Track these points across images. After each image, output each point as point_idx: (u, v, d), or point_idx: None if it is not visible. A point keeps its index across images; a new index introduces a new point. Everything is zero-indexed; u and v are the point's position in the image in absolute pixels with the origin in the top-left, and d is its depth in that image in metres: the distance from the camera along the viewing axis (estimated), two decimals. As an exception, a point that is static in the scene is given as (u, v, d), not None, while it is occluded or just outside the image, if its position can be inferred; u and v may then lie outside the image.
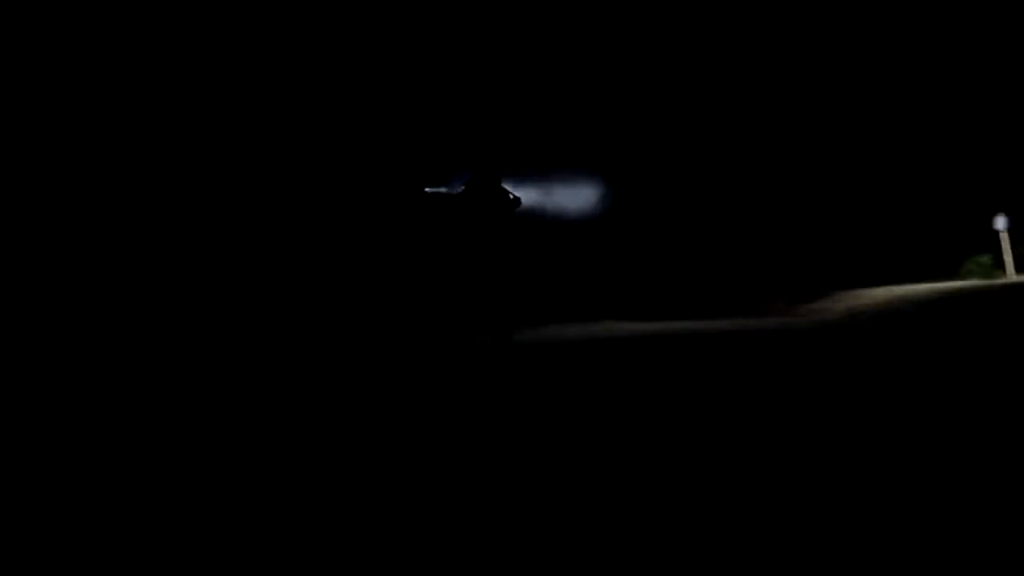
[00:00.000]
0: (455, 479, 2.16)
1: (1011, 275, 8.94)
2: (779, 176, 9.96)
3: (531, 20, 10.15)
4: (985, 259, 9.13)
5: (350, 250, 9.55)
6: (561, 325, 7.76)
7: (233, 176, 9.45)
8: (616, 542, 1.60)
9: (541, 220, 9.66)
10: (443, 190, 9.50)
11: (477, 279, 8.18)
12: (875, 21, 9.71)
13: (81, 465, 2.55)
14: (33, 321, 7.67)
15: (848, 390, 3.34)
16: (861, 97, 9.85)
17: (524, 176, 9.63)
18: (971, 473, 1.98)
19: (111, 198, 8.93)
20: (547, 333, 6.90)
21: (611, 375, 4.29)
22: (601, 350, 5.63)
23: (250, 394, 4.18)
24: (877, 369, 3.92)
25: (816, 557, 1.45)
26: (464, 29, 10.12)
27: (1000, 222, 8.97)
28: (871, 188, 9.85)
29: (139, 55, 9.21)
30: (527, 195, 9.19)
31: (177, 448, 2.76)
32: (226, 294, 8.83)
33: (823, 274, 9.15)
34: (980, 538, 1.50)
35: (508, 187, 8.54)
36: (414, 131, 10.02)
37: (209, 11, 9.46)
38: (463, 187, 8.54)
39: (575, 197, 10.07)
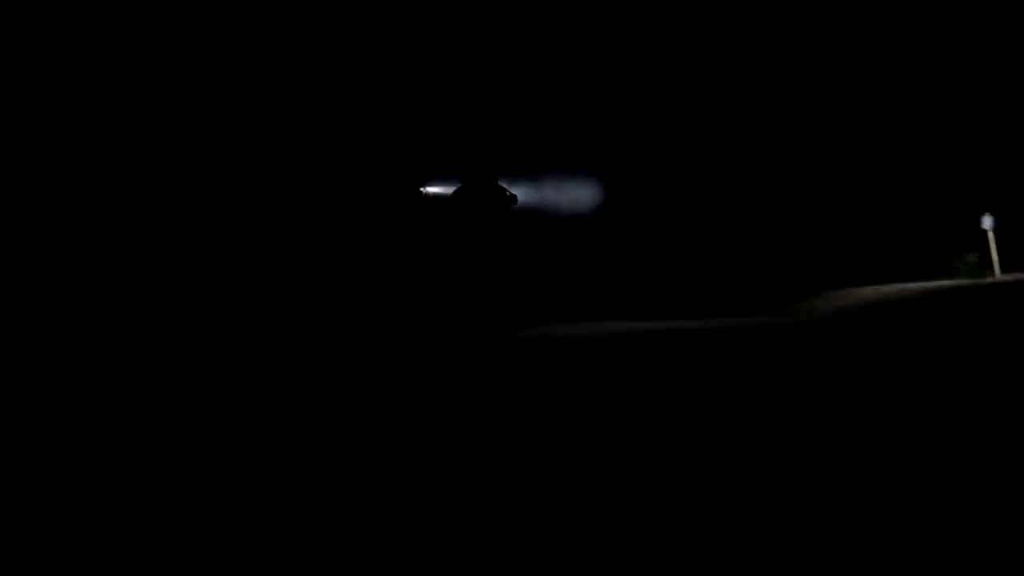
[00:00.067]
0: (450, 477, 2.21)
1: (998, 274, 9.07)
2: (767, 176, 10.07)
3: (527, 16, 10.20)
4: (972, 258, 9.26)
5: (344, 250, 9.59)
6: (557, 324, 7.84)
7: (222, 175, 9.46)
8: (611, 538, 1.66)
9: (537, 218, 9.73)
10: (438, 189, 9.58)
11: (473, 278, 8.25)
12: (862, 24, 9.83)
13: (80, 465, 2.56)
14: (33, 321, 7.70)
15: (835, 386, 3.44)
16: (848, 99, 9.97)
17: (520, 174, 9.68)
18: (957, 467, 2.06)
19: (106, 196, 8.96)
20: (543, 331, 6.98)
21: (602, 373, 4.37)
22: (593, 348, 5.71)
23: (245, 392, 4.21)
24: (864, 366, 4.02)
25: (806, 555, 1.50)
26: (458, 26, 10.17)
27: (987, 221, 9.10)
28: (858, 189, 9.96)
29: (132, 51, 9.23)
30: (523, 193, 9.25)
31: (177, 448, 2.78)
32: (219, 293, 8.85)
33: (812, 274, 9.27)
34: (968, 534, 1.57)
35: (504, 185, 8.61)
36: (408, 130, 10.07)
37: (198, 7, 9.48)
38: (459, 185, 8.63)
39: (570, 195, 10.14)
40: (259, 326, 8.21)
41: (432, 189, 9.66)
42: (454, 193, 8.43)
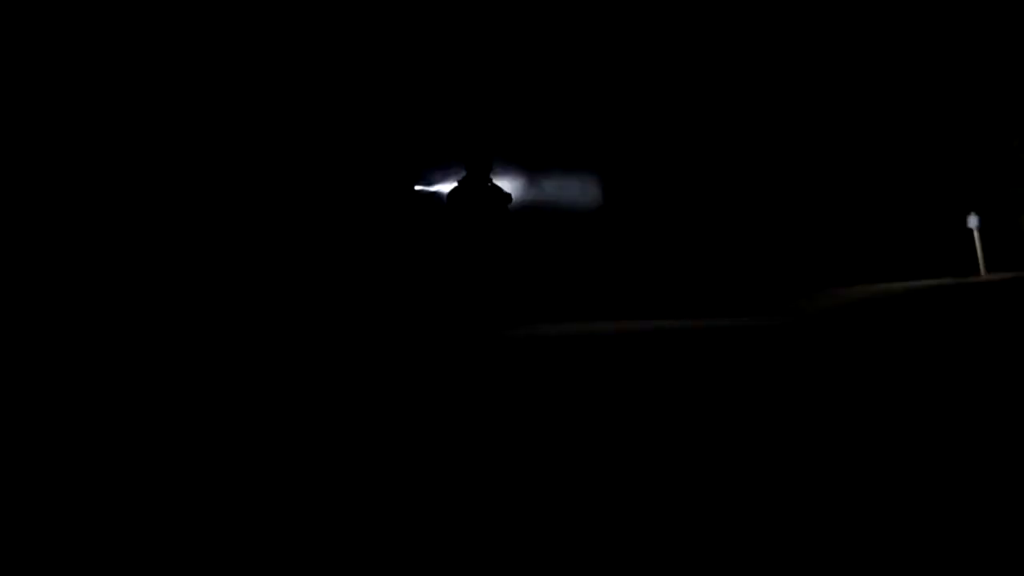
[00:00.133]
0: (445, 475, 2.26)
1: (983, 273, 9.21)
2: (752, 178, 10.16)
3: (522, 12, 10.22)
4: (958, 257, 9.40)
5: (339, 249, 9.60)
6: (551, 323, 7.91)
7: (216, 175, 9.44)
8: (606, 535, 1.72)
9: (533, 216, 9.77)
10: (433, 188, 9.62)
11: (468, 277, 8.31)
12: (861, 28, 9.92)
13: (80, 464, 2.57)
14: (33, 321, 7.71)
15: (824, 383, 3.54)
16: (837, 102, 10.06)
17: (516, 172, 9.71)
18: (942, 463, 2.14)
19: (102, 195, 8.94)
20: (537, 331, 7.04)
21: (596, 372, 4.45)
22: (587, 347, 5.79)
23: (240, 391, 4.24)
24: (853, 363, 4.12)
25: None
26: (453, 23, 10.19)
27: (972, 220, 9.24)
28: (843, 191, 10.07)
29: (126, 50, 9.22)
30: (517, 191, 9.29)
31: (176, 447, 2.80)
32: (212, 293, 8.85)
33: (800, 274, 9.40)
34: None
35: (499, 183, 8.65)
36: (403, 128, 10.09)
37: (191, 5, 9.47)
38: (454, 184, 8.66)
39: (566, 192, 10.19)
40: (248, 323, 8.21)
41: (426, 187, 9.70)
42: (450, 192, 8.47)
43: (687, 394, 3.28)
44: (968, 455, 2.04)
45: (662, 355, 4.80)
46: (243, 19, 9.59)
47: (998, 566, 1.37)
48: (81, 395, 4.15)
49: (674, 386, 3.51)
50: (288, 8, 9.77)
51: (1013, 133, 9.66)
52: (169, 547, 1.70)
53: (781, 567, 1.42)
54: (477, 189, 8.42)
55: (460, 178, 8.49)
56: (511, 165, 9.57)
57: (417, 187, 9.72)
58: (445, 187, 9.05)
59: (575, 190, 10.20)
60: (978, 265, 9.29)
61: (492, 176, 8.45)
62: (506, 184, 8.85)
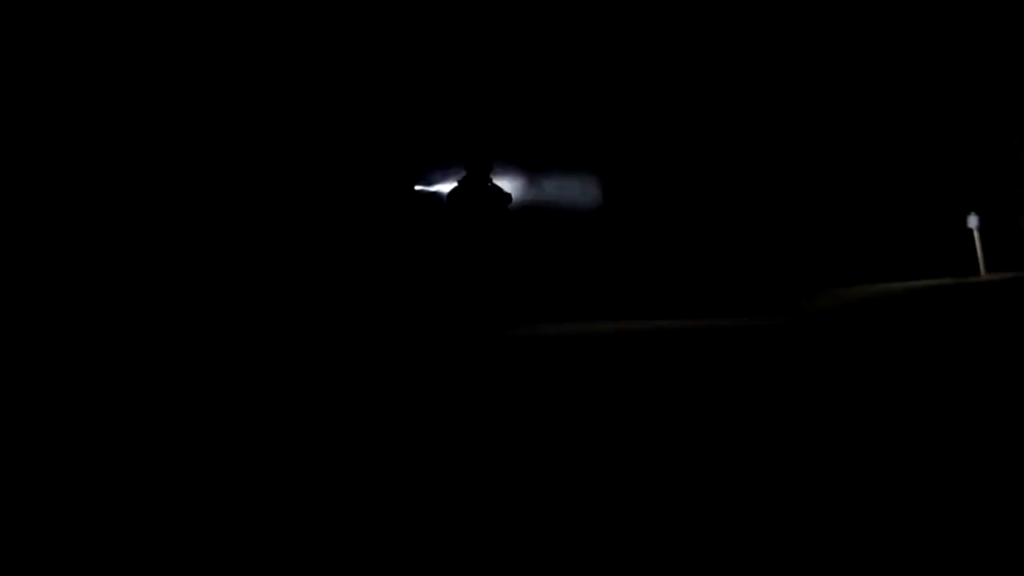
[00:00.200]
0: (445, 475, 2.27)
1: (983, 273, 9.22)
2: (752, 179, 10.17)
3: (521, 12, 10.23)
4: (958, 257, 9.41)
5: (339, 249, 9.61)
6: (550, 323, 7.92)
7: (215, 175, 9.45)
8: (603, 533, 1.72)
9: (533, 215, 9.78)
10: (433, 188, 9.63)
11: (468, 277, 8.32)
12: (853, 28, 9.93)
13: (80, 464, 2.58)
14: (32, 321, 7.72)
15: (823, 383, 3.55)
16: (837, 103, 10.08)
17: (516, 172, 9.71)
18: (943, 463, 2.15)
19: (102, 195, 8.96)
20: (537, 331, 7.06)
21: (596, 371, 4.46)
22: (583, 347, 5.80)
23: (238, 390, 4.25)
24: (852, 363, 4.13)
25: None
26: (452, 23, 10.20)
27: (972, 220, 9.25)
28: (843, 191, 10.08)
29: (126, 50, 9.23)
30: (518, 191, 9.30)
31: (176, 447, 2.81)
32: (211, 292, 8.85)
33: (801, 274, 9.41)
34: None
35: (499, 183, 8.65)
36: (403, 128, 10.10)
37: (191, 5, 9.47)
38: (454, 184, 8.67)
39: (566, 192, 10.20)
40: (246, 322, 8.21)
41: (426, 187, 9.71)
42: (450, 192, 8.47)
43: (686, 394, 3.29)
44: (967, 454, 2.05)
45: (661, 355, 4.81)
46: (243, 19, 9.60)
47: (998, 566, 1.38)
48: (81, 395, 4.17)
49: (673, 386, 3.52)
50: (287, 8, 9.78)
51: (1013, 133, 9.67)
52: (169, 547, 1.70)
53: (780, 567, 1.42)
54: (477, 189, 8.43)
55: (460, 178, 8.50)
56: (511, 165, 9.58)
57: (417, 187, 9.73)
58: (445, 187, 9.06)
59: (575, 190, 10.21)
60: (978, 265, 9.30)
61: (492, 176, 8.46)
62: (506, 184, 8.86)
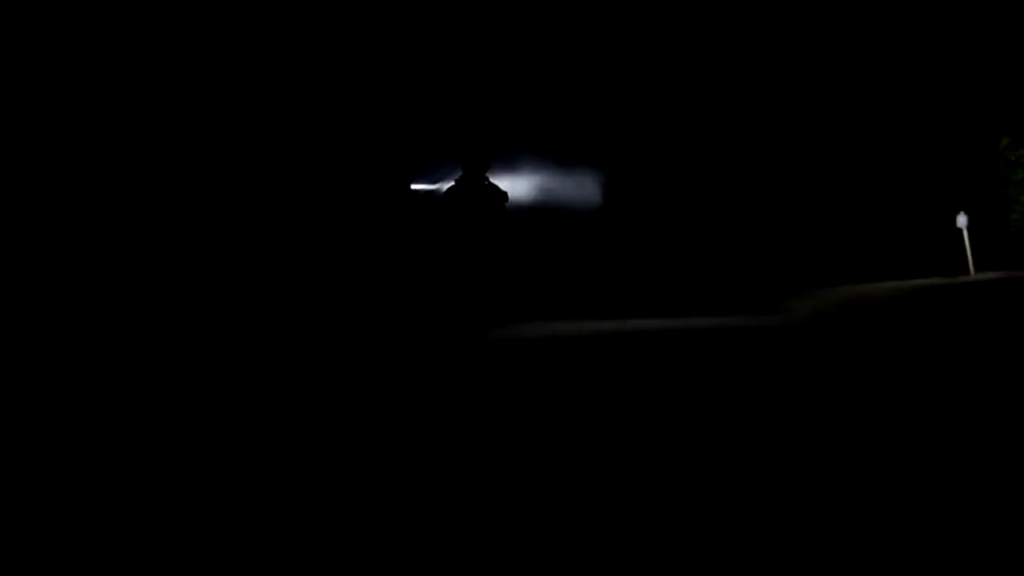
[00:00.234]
0: (443, 475, 2.33)
1: (972, 273, 9.32)
2: (743, 180, 10.25)
3: (521, 12, 10.26)
4: (947, 257, 9.50)
5: (336, 248, 9.64)
6: (533, 323, 7.94)
7: (214, 175, 9.46)
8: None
9: (528, 215, 9.84)
10: (430, 186, 9.70)
11: (466, 275, 8.39)
12: (845, 31, 10.01)
13: (80, 464, 2.59)
14: (32, 321, 7.75)
15: (812, 381, 3.64)
16: (827, 105, 10.15)
17: (513, 171, 9.75)
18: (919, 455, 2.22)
19: (102, 195, 8.99)
20: (520, 331, 7.05)
21: (584, 370, 4.55)
22: (577, 346, 5.88)
23: (235, 388, 4.29)
24: (840, 362, 4.23)
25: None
26: (451, 23, 10.23)
27: (961, 220, 9.34)
28: (832, 192, 10.16)
29: (126, 50, 9.26)
30: (515, 189, 9.36)
31: (176, 447, 2.82)
32: (210, 292, 8.88)
33: (789, 274, 9.50)
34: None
35: (496, 182, 8.71)
36: (400, 127, 10.14)
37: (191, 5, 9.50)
38: (451, 183, 8.73)
39: (562, 192, 10.26)
40: (243, 320, 8.23)
41: (423, 186, 9.77)
42: (447, 191, 8.53)
43: (684, 394, 3.37)
44: (966, 454, 2.12)
45: (647, 355, 4.88)
46: (242, 19, 9.63)
47: (998, 565, 1.39)
48: (81, 394, 4.22)
49: (670, 386, 3.61)
50: (287, 8, 9.81)
51: (1001, 133, 9.76)
52: (169, 546, 1.72)
53: (780, 566, 1.44)
54: (474, 188, 8.49)
55: (457, 177, 8.56)
56: (510, 164, 9.62)
57: (414, 186, 9.79)
58: (442, 185, 9.11)
59: (575, 189, 10.26)
60: (967, 264, 9.40)
61: (488, 175, 8.52)
62: (503, 183, 8.92)
